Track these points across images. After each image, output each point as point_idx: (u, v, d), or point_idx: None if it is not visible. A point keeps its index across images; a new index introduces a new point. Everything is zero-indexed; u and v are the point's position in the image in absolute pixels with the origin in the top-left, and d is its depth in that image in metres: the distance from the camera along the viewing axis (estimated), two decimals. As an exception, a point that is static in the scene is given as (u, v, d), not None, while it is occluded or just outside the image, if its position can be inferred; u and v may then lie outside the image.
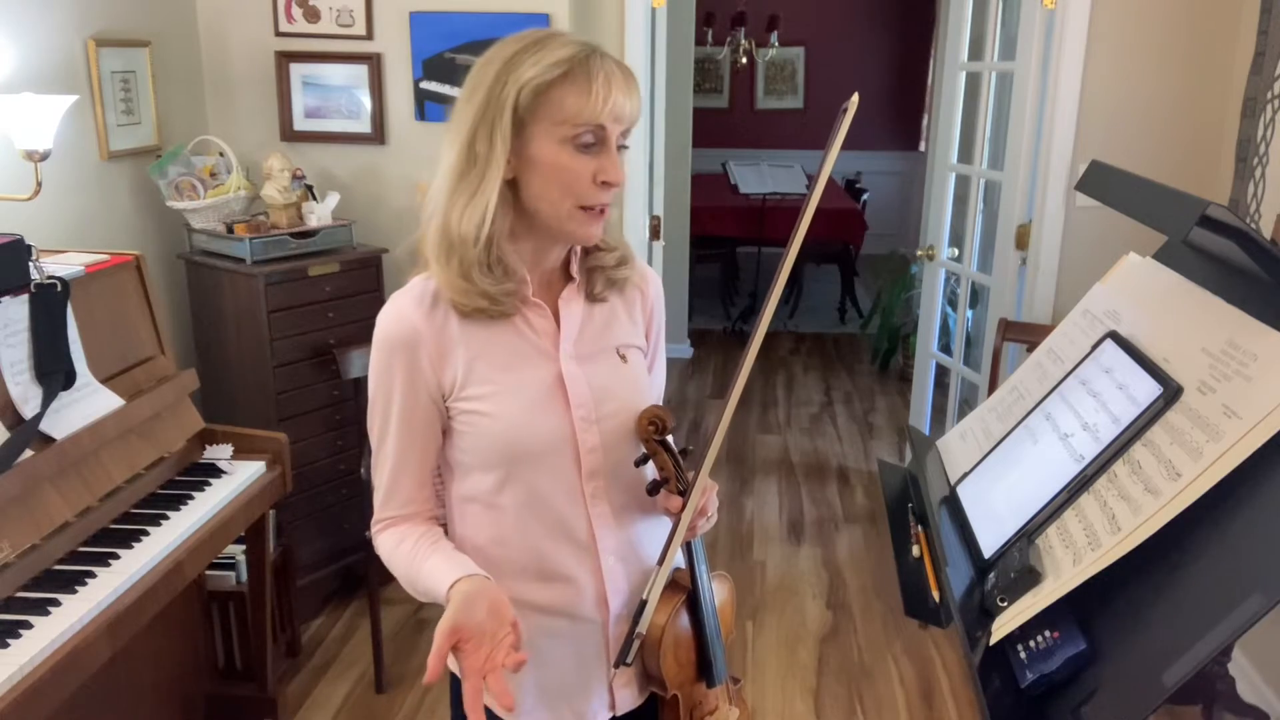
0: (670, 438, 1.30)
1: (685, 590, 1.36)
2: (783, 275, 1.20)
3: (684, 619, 1.35)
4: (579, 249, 1.31)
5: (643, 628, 1.27)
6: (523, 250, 1.25)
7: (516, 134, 1.17)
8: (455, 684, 1.39)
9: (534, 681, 1.33)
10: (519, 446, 1.24)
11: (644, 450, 1.29)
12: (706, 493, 1.31)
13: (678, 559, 1.37)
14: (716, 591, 1.42)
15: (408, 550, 1.25)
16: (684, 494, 1.26)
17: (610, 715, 1.38)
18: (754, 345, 1.19)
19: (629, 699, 1.39)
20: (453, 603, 1.12)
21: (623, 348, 1.34)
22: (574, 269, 1.31)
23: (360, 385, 2.79)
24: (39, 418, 1.92)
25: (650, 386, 1.39)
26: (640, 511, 1.35)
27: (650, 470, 1.31)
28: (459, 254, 1.20)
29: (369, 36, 3.24)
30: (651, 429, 1.27)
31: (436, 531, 1.29)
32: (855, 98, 1.16)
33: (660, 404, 1.33)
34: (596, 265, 1.32)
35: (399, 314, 1.23)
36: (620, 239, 1.35)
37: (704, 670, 1.39)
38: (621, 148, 1.21)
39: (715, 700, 1.44)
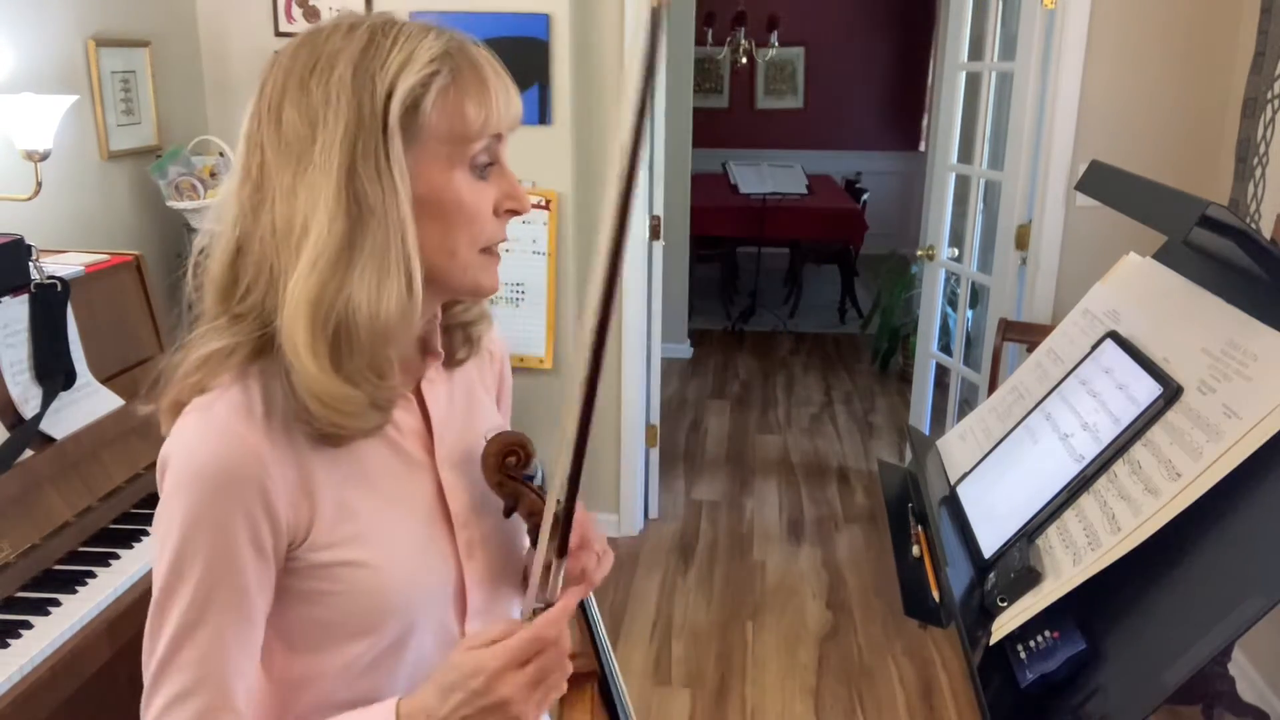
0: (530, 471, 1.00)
1: (594, 675, 1.11)
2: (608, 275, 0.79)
3: (598, 714, 1.10)
4: (438, 312, 0.99)
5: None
6: (403, 327, 0.90)
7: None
8: None
9: None
10: (407, 598, 0.92)
11: (505, 499, 0.98)
12: (580, 526, 0.96)
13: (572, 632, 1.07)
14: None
15: None
16: (564, 536, 0.90)
17: None
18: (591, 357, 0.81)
19: None
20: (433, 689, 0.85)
21: (489, 433, 1.00)
22: (438, 340, 0.99)
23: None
24: (39, 418, 1.92)
25: None
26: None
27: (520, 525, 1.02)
28: (365, 352, 0.85)
29: (369, 36, 3.24)
30: (513, 460, 0.96)
31: None
32: None
33: (515, 431, 1.00)
34: (455, 323, 1.02)
35: (229, 437, 0.84)
36: None
37: None
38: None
39: None
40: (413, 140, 0.85)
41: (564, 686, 0.87)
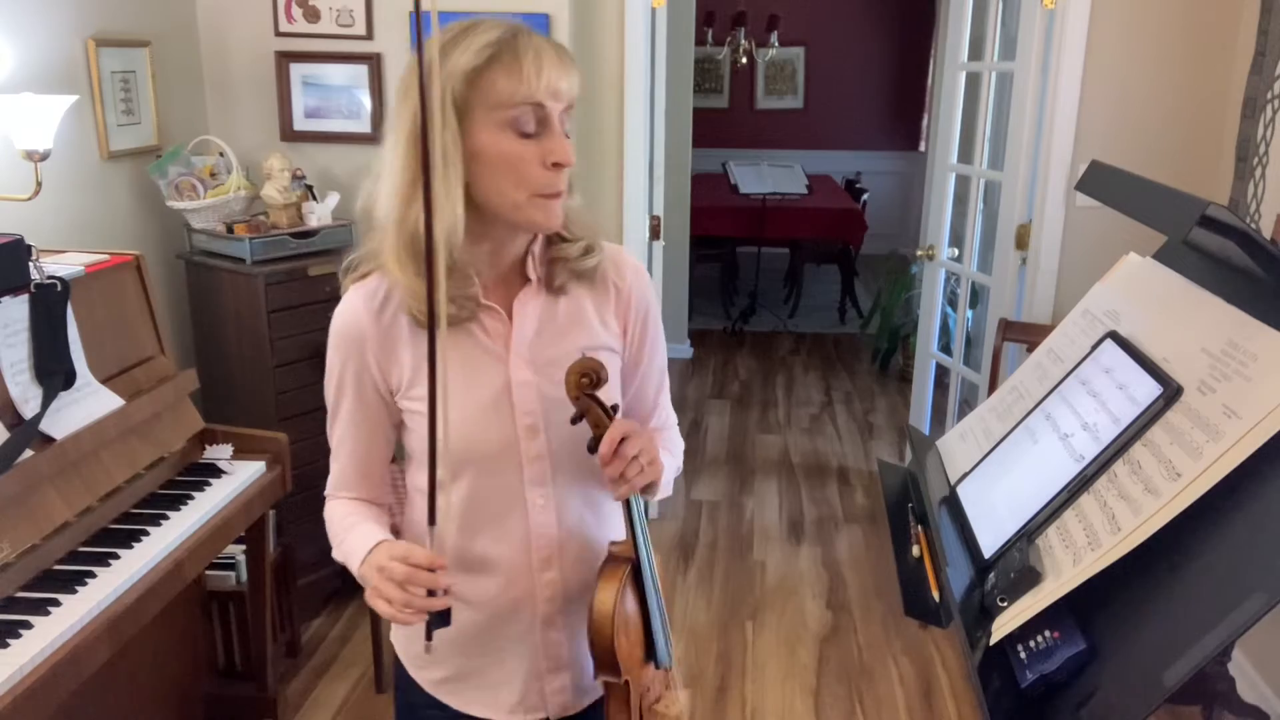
0: (601, 392, 1.22)
1: (629, 561, 1.28)
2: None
3: (630, 594, 1.27)
4: (537, 247, 1.26)
5: None
6: (480, 252, 1.21)
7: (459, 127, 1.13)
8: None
9: (458, 670, 1.35)
10: (459, 452, 1.22)
11: (576, 409, 1.22)
12: (632, 439, 1.20)
13: (619, 530, 1.33)
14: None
15: (343, 516, 1.32)
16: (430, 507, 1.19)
17: (543, 717, 1.37)
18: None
19: (561, 704, 1.36)
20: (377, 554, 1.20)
21: (589, 350, 1.26)
22: (531, 271, 1.26)
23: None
24: (39, 418, 1.92)
25: (618, 389, 1.32)
26: (589, 516, 1.33)
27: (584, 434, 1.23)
28: (423, 261, 1.13)
29: (369, 36, 3.24)
30: (585, 382, 1.20)
31: (376, 510, 1.34)
32: None
33: (594, 357, 1.23)
34: (558, 256, 1.27)
35: (349, 310, 1.25)
36: (589, 227, 1.28)
37: (650, 649, 1.33)
38: (565, 133, 1.17)
39: (660, 685, 1.38)
40: (471, 107, 1.12)
41: (410, 601, 1.14)
